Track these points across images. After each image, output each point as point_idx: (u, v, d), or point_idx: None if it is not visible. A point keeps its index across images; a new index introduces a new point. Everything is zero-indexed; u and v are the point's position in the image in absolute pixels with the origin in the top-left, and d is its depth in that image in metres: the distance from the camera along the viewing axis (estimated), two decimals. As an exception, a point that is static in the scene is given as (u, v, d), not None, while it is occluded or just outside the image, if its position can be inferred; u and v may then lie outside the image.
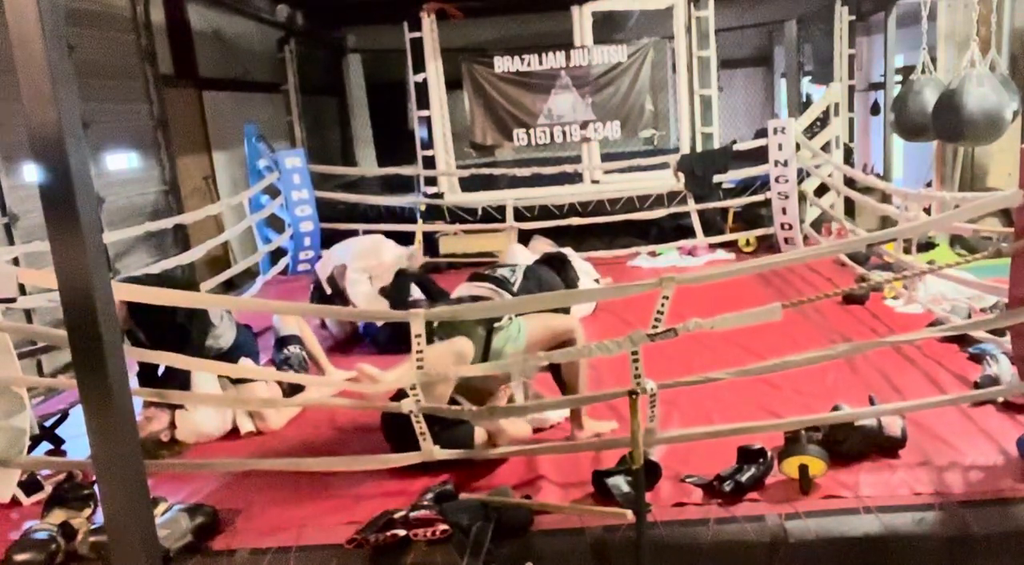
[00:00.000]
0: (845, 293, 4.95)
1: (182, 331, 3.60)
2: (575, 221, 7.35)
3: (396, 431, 3.09)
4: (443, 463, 3.06)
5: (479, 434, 3.12)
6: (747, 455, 2.80)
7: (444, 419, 2.98)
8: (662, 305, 2.72)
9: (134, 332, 3.61)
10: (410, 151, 8.55)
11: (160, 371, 3.73)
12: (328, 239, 7.19)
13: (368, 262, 5.16)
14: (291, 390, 3.91)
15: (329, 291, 5.11)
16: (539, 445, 3.25)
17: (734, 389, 3.71)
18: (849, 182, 6.92)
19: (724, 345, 4.16)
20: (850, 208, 7.59)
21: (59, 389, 4.45)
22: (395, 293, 4.98)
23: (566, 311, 3.63)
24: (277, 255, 7.15)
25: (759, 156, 7.15)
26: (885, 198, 7.22)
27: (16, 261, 4.66)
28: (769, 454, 2.80)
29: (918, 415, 3.14)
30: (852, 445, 2.88)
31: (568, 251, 5.39)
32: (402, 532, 2.54)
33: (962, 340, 4.05)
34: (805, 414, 3.04)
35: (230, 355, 3.82)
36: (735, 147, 7.52)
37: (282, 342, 4.22)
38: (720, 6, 7.91)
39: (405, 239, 7.20)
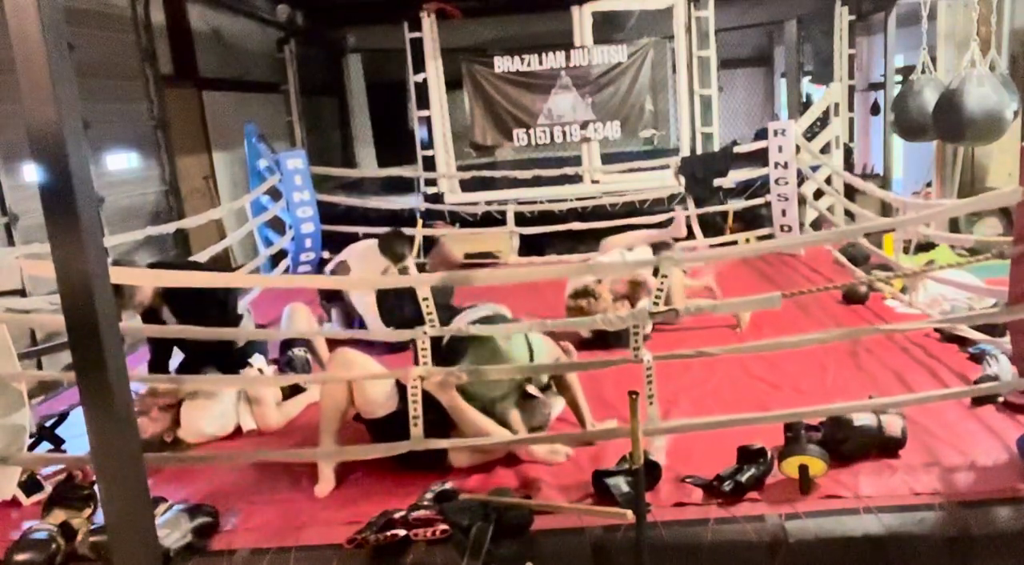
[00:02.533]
0: (845, 289, 4.97)
1: (214, 314, 3.59)
2: (576, 226, 7.36)
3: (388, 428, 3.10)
4: (443, 462, 3.08)
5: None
6: (747, 455, 2.80)
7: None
8: (661, 283, 2.77)
9: (157, 312, 3.61)
10: (410, 151, 8.55)
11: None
12: (328, 241, 7.19)
13: (374, 264, 5.15)
14: (291, 391, 3.91)
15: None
16: (538, 434, 3.26)
17: (734, 389, 3.73)
18: (849, 186, 6.92)
19: (726, 344, 4.16)
20: (849, 210, 7.60)
21: (59, 390, 4.46)
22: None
23: None
24: (278, 256, 7.15)
25: (759, 157, 7.15)
26: (885, 205, 7.22)
27: (15, 262, 4.66)
28: (769, 454, 2.80)
29: (918, 415, 3.14)
30: (852, 445, 2.88)
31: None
32: (402, 532, 2.54)
33: (962, 340, 4.04)
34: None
35: (244, 351, 3.84)
36: (735, 148, 7.52)
37: (288, 343, 4.21)
38: (720, 6, 7.90)
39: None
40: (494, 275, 3.83)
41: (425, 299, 2.87)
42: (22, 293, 4.71)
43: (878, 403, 2.95)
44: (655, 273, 3.15)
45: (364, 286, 4.84)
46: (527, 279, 4.36)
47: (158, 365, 3.89)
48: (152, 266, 3.73)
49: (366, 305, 4.83)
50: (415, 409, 2.87)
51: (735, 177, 7.49)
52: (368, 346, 4.71)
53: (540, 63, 7.92)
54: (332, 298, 5.07)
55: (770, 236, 7.09)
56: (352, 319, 5.04)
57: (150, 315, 3.70)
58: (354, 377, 3.09)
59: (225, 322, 3.68)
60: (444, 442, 2.95)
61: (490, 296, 4.23)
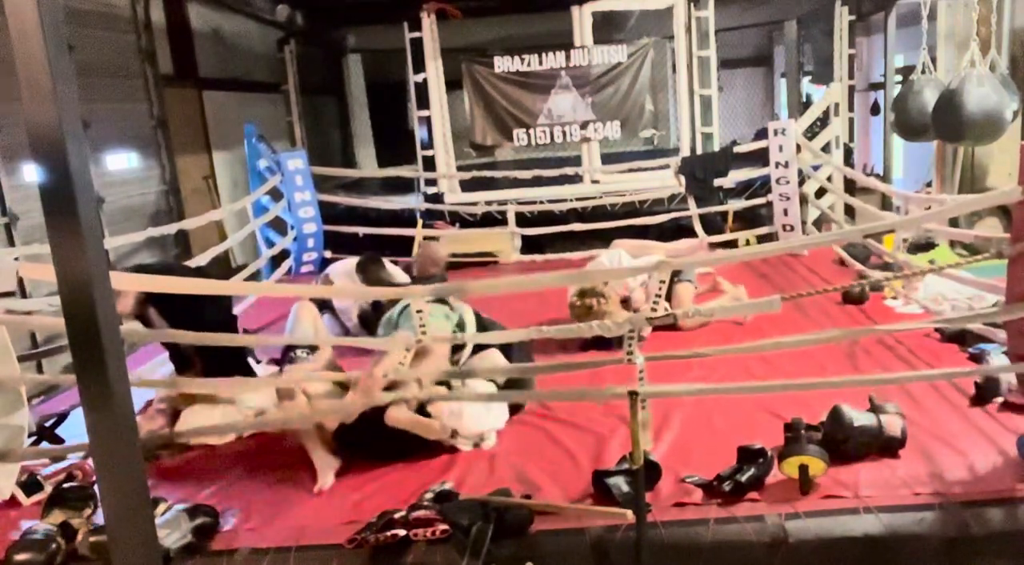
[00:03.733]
0: (845, 290, 4.96)
1: (201, 314, 3.57)
2: (577, 227, 7.36)
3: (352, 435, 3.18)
4: (443, 462, 3.10)
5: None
6: (747, 455, 2.80)
7: None
8: (660, 288, 2.78)
9: (146, 319, 3.61)
10: (410, 151, 8.56)
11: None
12: (329, 241, 7.19)
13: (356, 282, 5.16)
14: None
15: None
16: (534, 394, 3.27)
17: (734, 389, 3.72)
18: (849, 184, 6.92)
19: (726, 343, 4.16)
20: (850, 208, 7.59)
21: (59, 390, 4.45)
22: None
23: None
24: (280, 257, 7.15)
25: (759, 157, 7.15)
26: (885, 201, 7.22)
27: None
28: (769, 454, 2.80)
29: (918, 416, 3.14)
30: (852, 445, 2.88)
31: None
32: (402, 532, 2.54)
33: (962, 341, 4.04)
34: (804, 414, 3.04)
35: (237, 352, 3.83)
36: (735, 148, 7.52)
37: (291, 346, 4.19)
38: (720, 6, 7.91)
39: (405, 242, 7.21)
40: (488, 285, 3.81)
41: (419, 311, 2.87)
42: (22, 293, 4.71)
43: (872, 379, 2.94)
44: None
45: (358, 296, 4.86)
46: (520, 289, 4.35)
47: (178, 362, 3.87)
48: (133, 270, 3.71)
49: (355, 325, 4.84)
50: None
51: (735, 177, 7.49)
52: (365, 354, 4.71)
53: (540, 63, 7.92)
54: (323, 307, 5.08)
55: (770, 235, 7.10)
56: (347, 328, 5.07)
57: (143, 321, 3.68)
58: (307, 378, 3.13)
59: (223, 322, 3.67)
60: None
61: (491, 300, 4.23)
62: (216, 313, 3.67)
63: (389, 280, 5.05)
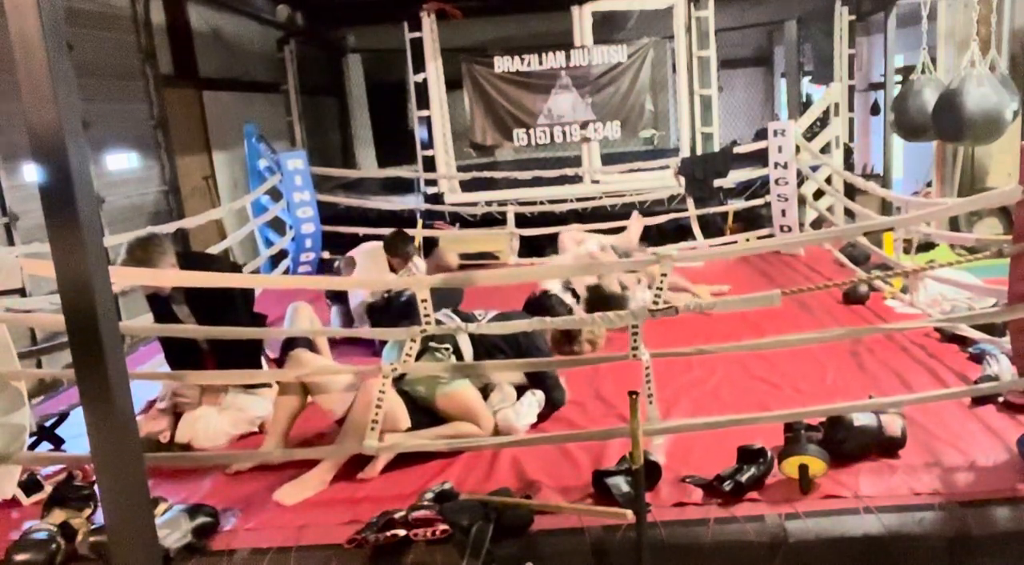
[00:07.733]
0: (845, 288, 4.96)
1: (231, 303, 3.53)
2: (575, 226, 7.35)
3: None
4: (443, 462, 3.10)
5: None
6: (747, 455, 2.80)
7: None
8: (661, 282, 2.78)
9: (169, 302, 3.58)
10: (410, 151, 8.56)
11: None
12: (328, 241, 7.19)
13: (381, 263, 5.16)
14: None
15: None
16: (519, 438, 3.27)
17: (735, 389, 3.73)
18: (848, 186, 6.92)
19: (727, 341, 4.16)
20: (850, 211, 7.60)
21: (59, 390, 4.46)
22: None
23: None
24: (278, 256, 7.15)
25: (759, 158, 7.16)
26: (885, 204, 7.22)
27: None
28: (769, 454, 2.80)
29: (918, 415, 3.14)
30: (852, 445, 2.88)
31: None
32: (402, 532, 2.54)
33: (962, 340, 4.04)
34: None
35: (244, 348, 3.82)
36: (735, 149, 7.52)
37: (290, 342, 4.19)
38: (720, 6, 7.92)
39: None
40: (495, 275, 3.83)
41: (424, 301, 2.87)
42: (22, 293, 4.70)
43: (878, 403, 2.95)
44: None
45: (365, 286, 4.84)
46: (527, 279, 4.37)
47: (178, 364, 3.84)
48: (182, 257, 3.64)
49: (359, 314, 4.83)
50: (376, 413, 2.89)
51: (735, 177, 7.50)
52: (363, 346, 4.71)
53: (540, 63, 7.93)
54: (336, 298, 5.08)
55: (770, 236, 7.09)
56: (352, 321, 5.05)
57: (161, 304, 3.65)
58: (307, 375, 3.14)
59: (252, 322, 3.65)
60: (389, 446, 2.98)
61: (490, 295, 4.24)
62: (246, 311, 3.65)
63: (415, 255, 5.07)
